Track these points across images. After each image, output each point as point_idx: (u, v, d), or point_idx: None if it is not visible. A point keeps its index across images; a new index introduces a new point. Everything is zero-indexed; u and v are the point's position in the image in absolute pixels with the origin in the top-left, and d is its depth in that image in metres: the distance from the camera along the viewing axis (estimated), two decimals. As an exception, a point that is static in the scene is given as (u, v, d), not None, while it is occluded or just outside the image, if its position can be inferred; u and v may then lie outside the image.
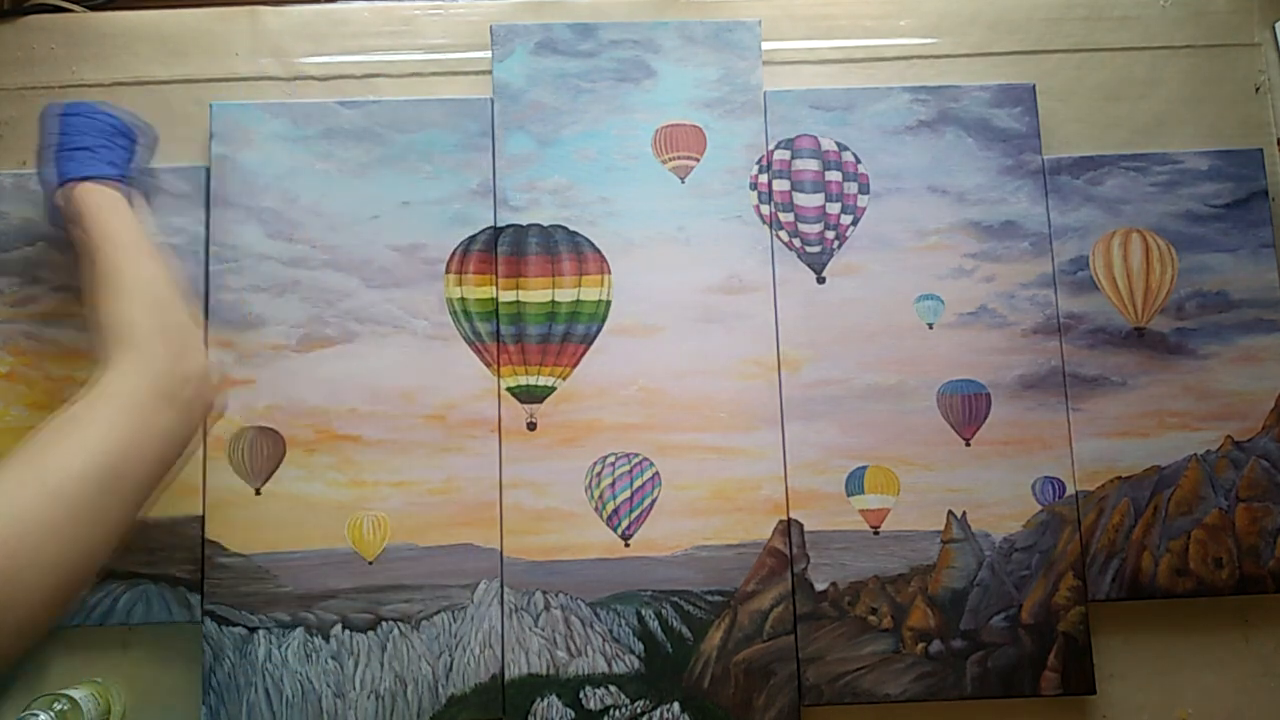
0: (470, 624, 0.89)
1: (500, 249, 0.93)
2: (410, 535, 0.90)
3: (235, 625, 0.88)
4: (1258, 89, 1.01)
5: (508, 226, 0.94)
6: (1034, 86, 0.97)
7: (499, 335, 0.92)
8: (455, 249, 0.94)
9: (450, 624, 0.89)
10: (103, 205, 0.79)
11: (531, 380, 0.92)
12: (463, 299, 0.93)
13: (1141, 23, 1.01)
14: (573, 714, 0.87)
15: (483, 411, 0.92)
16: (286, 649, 0.88)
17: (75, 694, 0.84)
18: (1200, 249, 0.96)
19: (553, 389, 0.92)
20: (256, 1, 1.01)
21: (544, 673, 0.88)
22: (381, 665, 0.88)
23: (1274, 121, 1.00)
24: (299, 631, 0.88)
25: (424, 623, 0.89)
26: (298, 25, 1.00)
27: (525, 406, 0.91)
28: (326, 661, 0.88)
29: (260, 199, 0.94)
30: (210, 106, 0.95)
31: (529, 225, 0.94)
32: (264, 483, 0.91)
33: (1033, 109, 0.97)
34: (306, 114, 0.96)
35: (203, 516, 0.90)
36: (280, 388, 0.92)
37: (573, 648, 0.88)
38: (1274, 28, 1.01)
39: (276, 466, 0.91)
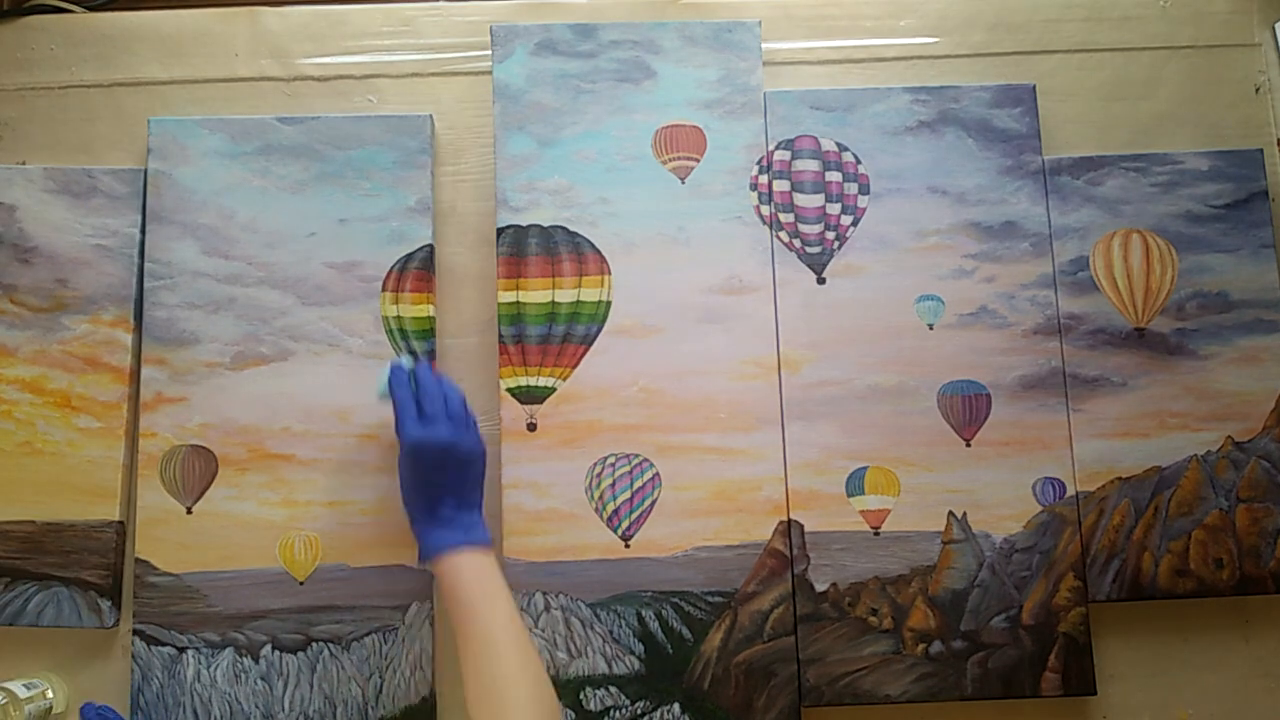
0: (401, 646, 0.88)
1: (500, 249, 0.93)
2: (342, 556, 0.90)
3: (164, 645, 0.88)
4: (1258, 89, 1.01)
5: (507, 227, 0.93)
6: (1034, 87, 0.97)
7: (500, 336, 0.92)
8: (392, 267, 0.94)
9: (381, 645, 0.88)
10: (472, 585, 0.77)
11: (531, 381, 0.92)
12: (399, 317, 0.93)
13: (1141, 23, 1.01)
14: (573, 715, 0.87)
15: None
16: (215, 669, 0.88)
17: (13, 686, 0.84)
18: (1200, 249, 0.96)
19: (553, 390, 0.92)
20: (256, 2, 1.01)
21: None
22: (311, 686, 0.88)
23: (1274, 121, 1.00)
24: (228, 652, 0.88)
25: (354, 644, 0.88)
26: (298, 26, 1.00)
27: (525, 407, 0.91)
28: (256, 682, 0.87)
29: (196, 215, 0.94)
30: (148, 122, 0.95)
31: (529, 226, 0.94)
32: (195, 501, 0.90)
33: (1033, 109, 0.97)
34: (244, 130, 0.95)
35: (121, 522, 0.90)
36: (213, 406, 0.91)
37: (573, 649, 0.88)
38: (1274, 28, 1.01)
39: (208, 485, 0.90)
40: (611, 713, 0.87)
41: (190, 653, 0.88)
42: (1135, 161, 0.97)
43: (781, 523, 0.90)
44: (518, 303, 0.92)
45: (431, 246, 0.94)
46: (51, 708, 0.87)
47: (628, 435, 0.91)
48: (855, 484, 0.91)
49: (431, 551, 0.79)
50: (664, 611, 0.89)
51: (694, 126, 0.96)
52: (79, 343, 0.93)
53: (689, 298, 0.93)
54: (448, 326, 0.95)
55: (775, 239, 0.95)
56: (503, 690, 0.71)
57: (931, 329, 0.94)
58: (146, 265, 0.93)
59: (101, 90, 0.99)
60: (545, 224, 0.94)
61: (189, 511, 0.90)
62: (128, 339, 0.93)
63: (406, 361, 0.85)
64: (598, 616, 0.89)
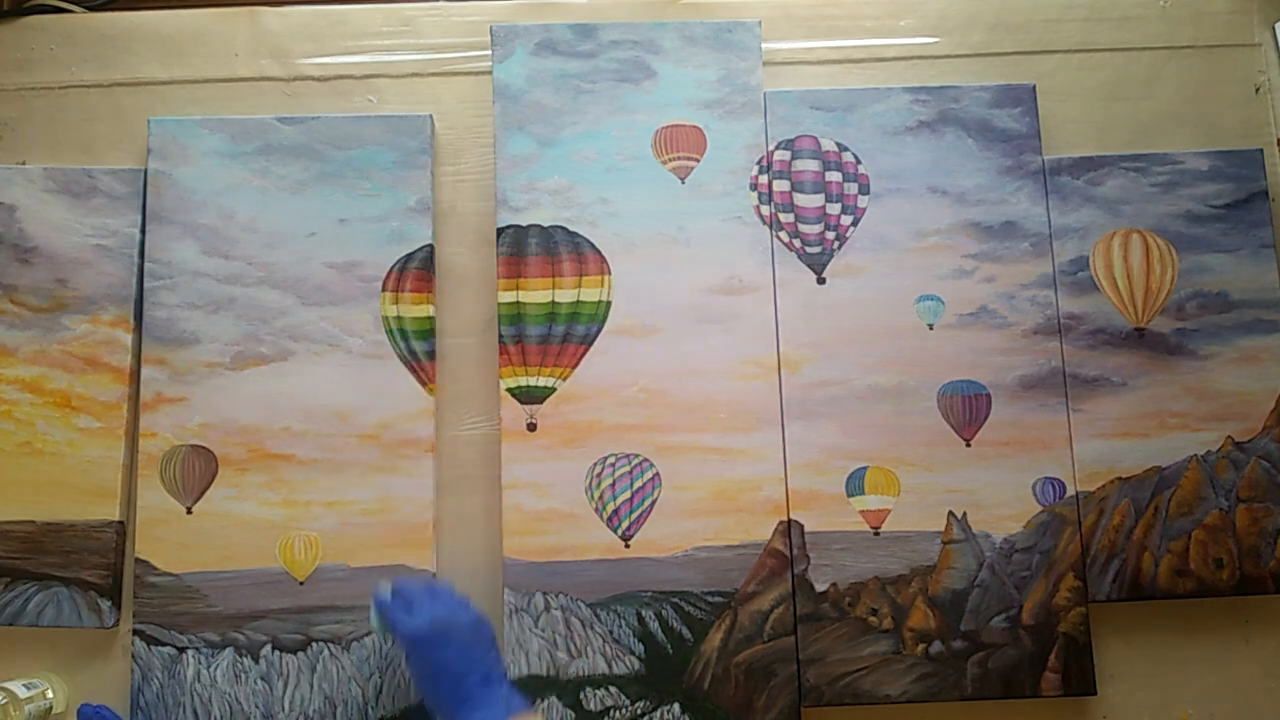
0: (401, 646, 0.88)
1: (500, 249, 0.93)
2: (342, 556, 0.90)
3: (164, 645, 0.88)
4: (1258, 89, 1.01)
5: (508, 227, 0.93)
6: (1034, 87, 0.97)
7: (500, 336, 0.92)
8: (392, 267, 0.94)
9: (381, 645, 0.88)
10: None
11: (531, 381, 0.92)
12: (399, 317, 0.93)
13: (1141, 23, 1.01)
14: (573, 715, 0.87)
15: (416, 431, 0.91)
16: (216, 669, 0.87)
17: (13, 686, 0.84)
18: (1200, 249, 0.96)
19: (553, 390, 0.92)
20: (257, 2, 1.01)
21: (544, 674, 0.87)
22: (311, 687, 0.87)
23: (1274, 121, 1.00)
24: (228, 652, 0.88)
25: (354, 644, 0.88)
26: (298, 26, 1.00)
27: (525, 407, 0.91)
28: (256, 682, 0.87)
29: (197, 215, 0.94)
30: (148, 122, 0.95)
31: (529, 226, 0.94)
32: (195, 501, 0.90)
33: (1033, 109, 0.97)
34: (244, 130, 0.95)
35: (121, 522, 0.90)
36: (213, 406, 0.91)
37: (573, 649, 0.88)
38: (1274, 28, 1.01)
39: (208, 485, 0.90)
40: (611, 713, 0.87)
41: (190, 653, 0.88)
42: (1135, 161, 0.97)
43: (781, 523, 0.90)
44: (518, 303, 0.92)
45: (431, 246, 0.94)
46: (51, 708, 0.87)
47: (628, 435, 0.91)
48: (855, 484, 0.91)
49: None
50: (664, 611, 0.89)
51: (694, 126, 0.96)
52: (79, 343, 0.93)
53: (689, 298, 0.93)
54: (448, 326, 0.95)
55: (775, 239, 0.95)
56: None
57: (931, 329, 0.94)
58: (146, 265, 0.93)
59: (101, 90, 0.99)
60: (545, 224, 0.94)
61: (189, 511, 0.90)
62: (128, 339, 0.93)
63: (384, 586, 0.80)
64: (598, 616, 0.89)
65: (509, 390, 0.91)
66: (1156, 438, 0.93)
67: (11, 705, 0.82)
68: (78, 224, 0.94)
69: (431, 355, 0.93)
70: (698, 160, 0.95)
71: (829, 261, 0.95)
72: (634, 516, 0.90)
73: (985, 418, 0.93)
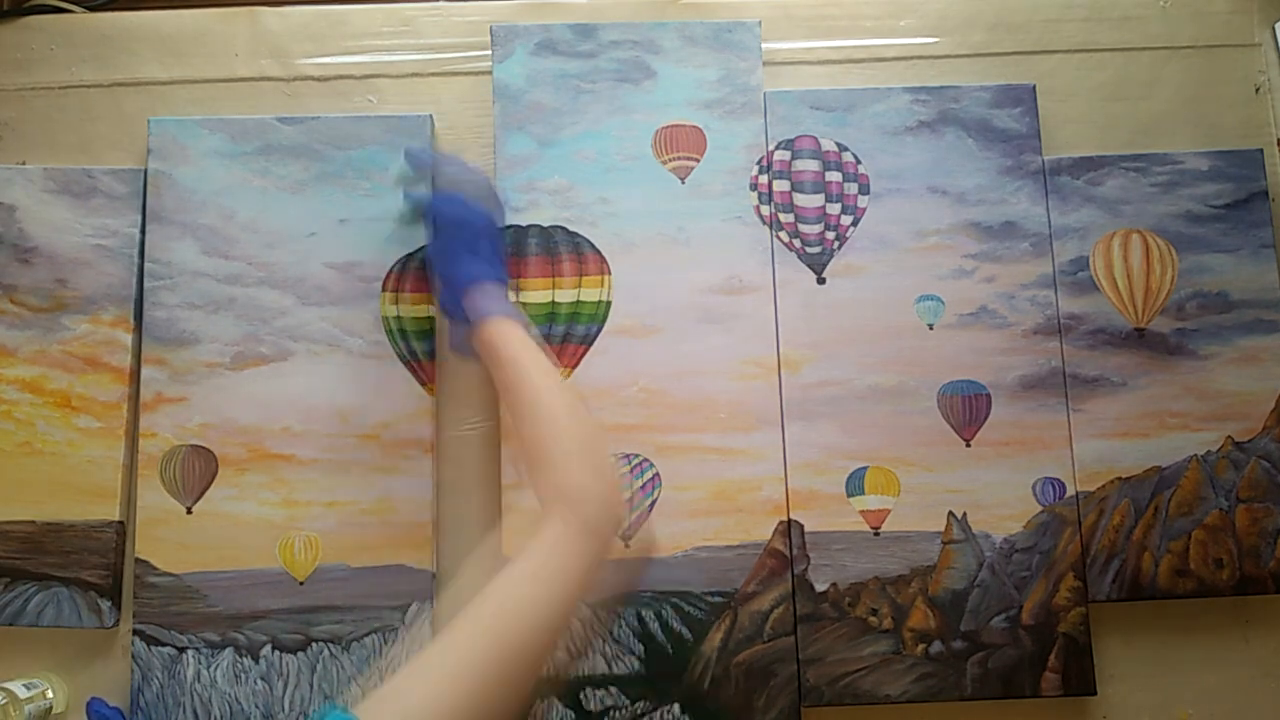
0: (401, 646, 0.88)
1: (500, 249, 0.93)
2: (342, 556, 0.89)
3: (164, 645, 0.88)
4: (1258, 89, 1.01)
5: (507, 227, 0.93)
6: (1034, 87, 0.97)
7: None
8: (391, 267, 0.94)
9: (381, 645, 0.88)
10: (510, 342, 0.78)
11: (531, 381, 0.92)
12: (398, 317, 0.93)
13: (1141, 23, 1.01)
14: (573, 715, 0.87)
15: (417, 431, 0.91)
16: (216, 669, 0.87)
17: (13, 686, 0.84)
18: (1200, 249, 0.96)
19: (553, 389, 0.92)
20: (257, 2, 1.01)
21: (544, 673, 0.87)
22: (311, 687, 0.87)
23: (1274, 121, 1.00)
24: (228, 652, 0.88)
25: (354, 644, 0.88)
26: (298, 26, 1.00)
27: (525, 407, 0.91)
28: (256, 682, 0.87)
29: (197, 215, 0.94)
30: (148, 122, 0.95)
31: (529, 226, 0.94)
32: (195, 502, 0.90)
33: (1033, 109, 0.97)
34: (244, 130, 0.95)
35: (121, 522, 0.90)
36: (213, 406, 0.91)
37: (573, 649, 0.88)
38: (1274, 28, 1.01)
39: (208, 485, 0.90)
40: (611, 713, 0.87)
41: (190, 653, 0.88)
42: (1135, 161, 0.97)
43: (781, 523, 0.90)
44: (518, 303, 0.92)
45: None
46: (51, 708, 0.87)
47: (628, 435, 0.91)
48: (855, 484, 0.91)
49: (467, 280, 0.81)
50: (664, 611, 0.89)
51: (694, 126, 0.96)
52: (79, 343, 0.93)
53: (689, 298, 0.93)
54: (448, 326, 0.95)
55: (775, 239, 0.95)
56: (555, 439, 0.73)
57: (931, 329, 0.94)
58: (146, 265, 0.93)
59: (101, 90, 0.99)
60: (545, 224, 0.94)
61: (189, 511, 0.90)
62: (128, 339, 0.93)
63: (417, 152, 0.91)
64: (597, 616, 0.89)
65: (509, 390, 0.91)
66: (1156, 438, 0.93)
67: (11, 705, 0.82)
68: (78, 224, 0.94)
69: (431, 355, 0.93)
70: (698, 160, 0.95)
71: (829, 261, 0.95)
72: (634, 516, 0.90)
73: (985, 418, 0.93)
